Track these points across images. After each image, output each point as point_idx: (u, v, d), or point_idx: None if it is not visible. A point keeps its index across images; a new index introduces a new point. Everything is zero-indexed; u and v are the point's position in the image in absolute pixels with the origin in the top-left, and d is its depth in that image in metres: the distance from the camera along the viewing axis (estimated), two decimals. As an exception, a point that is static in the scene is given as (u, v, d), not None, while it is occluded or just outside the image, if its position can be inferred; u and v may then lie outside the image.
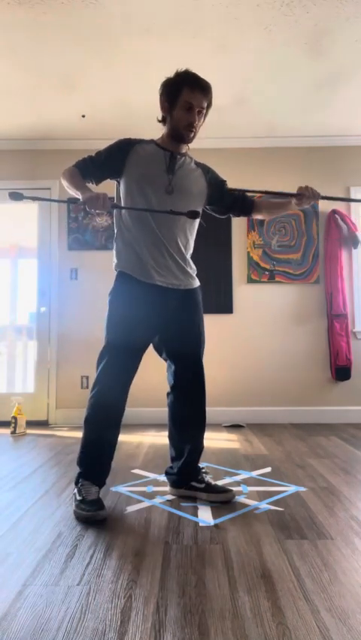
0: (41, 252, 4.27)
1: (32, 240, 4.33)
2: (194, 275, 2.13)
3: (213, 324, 4.11)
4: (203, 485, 2.10)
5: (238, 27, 2.76)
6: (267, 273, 4.18)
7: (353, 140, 4.22)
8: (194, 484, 2.11)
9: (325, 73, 3.24)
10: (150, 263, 1.99)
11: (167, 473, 2.22)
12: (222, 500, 2.06)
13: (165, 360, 2.18)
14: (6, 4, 2.58)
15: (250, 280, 4.18)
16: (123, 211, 2.05)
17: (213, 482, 2.15)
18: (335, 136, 4.19)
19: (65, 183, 2.01)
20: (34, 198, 1.89)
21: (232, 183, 2.10)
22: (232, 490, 2.11)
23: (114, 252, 2.10)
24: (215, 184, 2.16)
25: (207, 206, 2.20)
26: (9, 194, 1.83)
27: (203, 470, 2.18)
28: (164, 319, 2.04)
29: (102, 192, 1.87)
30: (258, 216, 2.26)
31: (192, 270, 2.12)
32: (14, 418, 3.65)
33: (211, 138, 4.17)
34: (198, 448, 2.16)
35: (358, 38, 2.86)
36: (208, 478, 2.16)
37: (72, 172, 2.02)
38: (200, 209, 2.12)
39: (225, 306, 4.15)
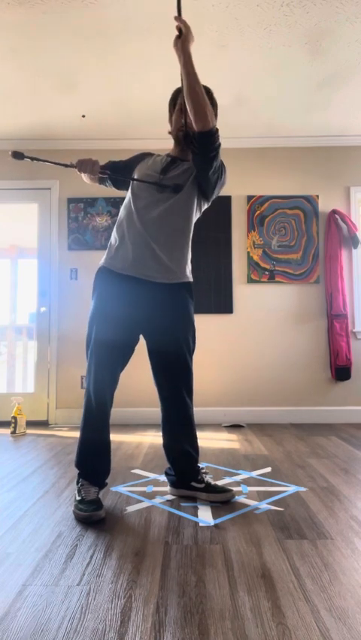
0: (41, 252, 4.27)
1: (32, 240, 4.33)
2: (180, 273, 2.06)
3: (213, 324, 4.14)
4: (203, 485, 2.10)
5: (238, 27, 2.76)
6: (267, 273, 4.18)
7: (353, 140, 4.22)
8: (194, 484, 2.11)
9: (325, 73, 3.24)
10: (126, 255, 2.01)
11: (166, 474, 2.22)
12: (222, 500, 2.06)
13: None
14: (6, 4, 2.58)
15: (250, 280, 4.18)
16: (123, 207, 2.12)
17: (213, 482, 2.15)
18: (335, 136, 4.19)
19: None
20: (33, 158, 1.95)
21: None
22: (231, 490, 2.11)
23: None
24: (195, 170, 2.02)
25: (202, 188, 2.04)
26: (12, 153, 1.91)
27: (203, 470, 2.18)
28: (143, 314, 2.02)
29: (95, 159, 1.98)
30: (195, 123, 1.86)
31: (177, 267, 2.05)
32: (14, 418, 3.65)
33: (211, 138, 4.17)
34: (186, 449, 2.12)
35: (358, 38, 2.86)
36: (208, 478, 2.16)
37: None
38: (193, 202, 2.07)
39: (225, 306, 4.15)
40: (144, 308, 2.02)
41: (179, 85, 2.08)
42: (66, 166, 1.98)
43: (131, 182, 2.10)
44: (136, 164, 2.15)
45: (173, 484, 2.17)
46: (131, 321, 2.01)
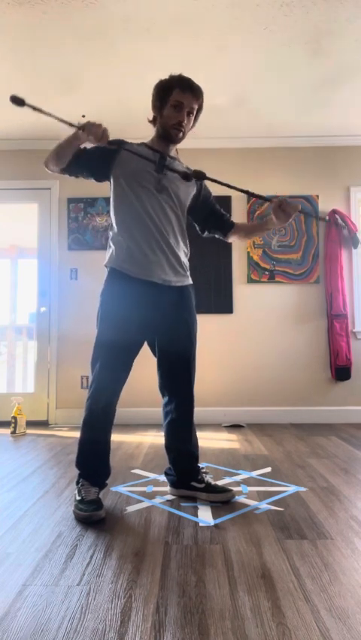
0: (41, 252, 4.27)
1: (32, 240, 4.33)
2: (186, 274, 2.12)
3: (213, 324, 4.13)
4: (203, 485, 2.10)
5: (238, 27, 2.76)
6: (267, 273, 4.18)
7: (353, 140, 4.22)
8: (194, 484, 2.11)
9: (325, 73, 3.24)
10: (142, 259, 1.98)
11: (166, 474, 2.22)
12: (223, 500, 2.06)
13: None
14: (6, 4, 2.58)
15: (250, 280, 4.18)
16: (120, 207, 2.03)
17: (213, 482, 2.15)
18: (334, 136, 4.19)
19: (51, 157, 1.99)
20: (35, 108, 1.82)
21: (232, 183, 2.08)
22: (231, 490, 2.11)
23: (109, 248, 2.08)
24: (203, 193, 2.18)
25: (189, 214, 2.19)
26: (10, 97, 1.77)
27: (203, 470, 2.18)
28: (156, 316, 2.03)
29: (105, 127, 1.84)
30: (234, 237, 2.23)
31: (184, 269, 2.10)
32: (14, 418, 3.65)
33: (211, 138, 4.17)
34: (189, 449, 2.14)
35: (358, 38, 2.86)
36: (208, 478, 2.16)
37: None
38: (186, 211, 2.13)
39: (225, 306, 4.15)
40: (159, 310, 2.02)
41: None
42: (71, 125, 1.84)
43: (119, 177, 2.01)
44: (114, 154, 2.01)
45: (173, 484, 2.17)
46: (145, 324, 2.02)
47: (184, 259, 2.11)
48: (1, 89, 3.46)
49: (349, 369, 4.06)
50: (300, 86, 3.39)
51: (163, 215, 2.00)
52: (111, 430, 2.04)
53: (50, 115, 1.84)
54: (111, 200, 2.09)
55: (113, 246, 2.05)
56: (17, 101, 1.78)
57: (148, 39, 2.87)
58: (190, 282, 2.14)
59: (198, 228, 2.25)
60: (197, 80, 2.05)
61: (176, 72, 2.06)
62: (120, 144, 2.02)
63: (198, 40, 2.88)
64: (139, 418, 3.96)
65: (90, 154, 2.03)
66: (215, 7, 2.61)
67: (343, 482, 2.35)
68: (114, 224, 2.06)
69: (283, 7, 2.60)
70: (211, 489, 2.09)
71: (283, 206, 1.94)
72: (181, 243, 2.09)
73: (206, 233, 2.27)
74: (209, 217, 2.21)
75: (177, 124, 2.00)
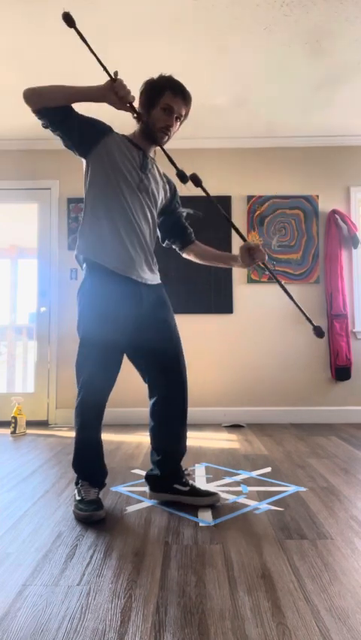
0: (41, 252, 4.27)
1: (32, 239, 4.33)
2: (157, 273, 2.11)
3: (213, 324, 4.14)
4: (187, 489, 2.03)
5: (238, 27, 2.76)
6: (267, 273, 4.17)
7: (353, 140, 4.22)
8: (177, 486, 2.04)
9: (325, 73, 3.24)
10: (125, 255, 1.94)
11: (147, 477, 2.12)
12: (209, 503, 2.00)
13: (139, 364, 2.11)
14: (6, 3, 2.58)
15: (250, 280, 4.18)
16: (105, 201, 1.96)
17: (196, 485, 2.10)
18: (335, 136, 4.19)
19: (46, 89, 1.96)
20: (81, 36, 1.87)
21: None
22: (217, 493, 2.04)
23: (82, 239, 1.99)
24: (173, 200, 2.18)
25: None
26: (63, 14, 1.78)
27: (186, 472, 2.12)
28: (139, 314, 1.98)
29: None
30: (189, 255, 2.22)
31: (157, 268, 2.10)
32: (14, 418, 3.65)
33: (211, 138, 4.17)
34: (180, 449, 2.10)
35: (358, 38, 2.86)
36: (190, 480, 2.10)
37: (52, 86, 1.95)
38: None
39: (225, 306, 4.15)
40: (141, 309, 1.99)
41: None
42: (106, 70, 1.86)
43: (106, 167, 1.96)
44: (102, 133, 2.01)
45: (153, 488, 2.09)
46: (131, 322, 1.98)
47: (155, 260, 2.10)
48: (2, 89, 3.46)
49: (349, 369, 4.06)
50: (300, 86, 3.39)
51: (142, 214, 1.99)
52: (101, 429, 2.02)
53: (90, 49, 1.86)
54: (91, 188, 2.00)
55: (93, 237, 1.96)
56: (69, 20, 1.79)
57: (148, 39, 2.87)
58: (160, 281, 2.12)
59: (159, 236, 2.20)
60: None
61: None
62: (110, 129, 2.04)
63: (198, 40, 2.88)
64: (139, 418, 3.96)
65: (85, 117, 2.00)
66: (215, 7, 2.61)
67: (343, 482, 2.35)
68: (98, 216, 1.96)
69: (283, 7, 2.60)
70: (196, 492, 2.02)
71: (252, 251, 1.97)
72: (154, 243, 2.10)
73: (166, 242, 2.24)
74: (174, 227, 2.20)
75: (165, 127, 1.98)
